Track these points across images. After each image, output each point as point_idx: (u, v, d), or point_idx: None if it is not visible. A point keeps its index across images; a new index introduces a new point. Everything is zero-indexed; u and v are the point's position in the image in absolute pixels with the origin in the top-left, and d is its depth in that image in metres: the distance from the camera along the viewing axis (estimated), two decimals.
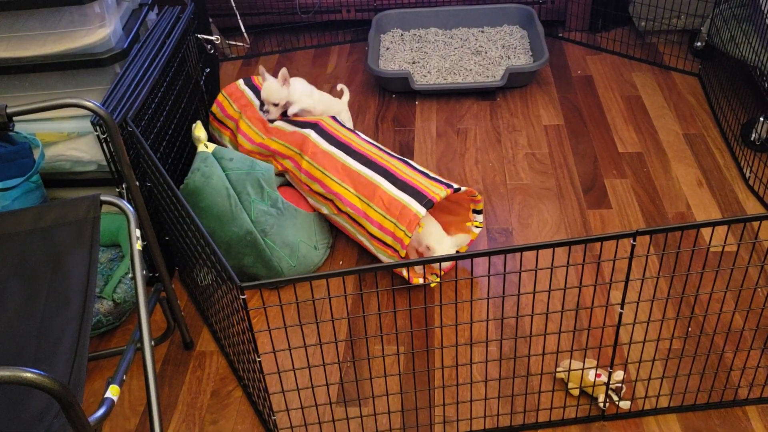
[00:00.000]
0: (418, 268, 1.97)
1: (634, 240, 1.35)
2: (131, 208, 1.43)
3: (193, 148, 2.08)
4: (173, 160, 2.02)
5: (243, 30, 2.96)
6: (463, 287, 1.97)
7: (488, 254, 1.31)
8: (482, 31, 3.03)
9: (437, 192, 1.88)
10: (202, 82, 2.29)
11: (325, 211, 2.07)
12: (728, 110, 2.47)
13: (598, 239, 1.34)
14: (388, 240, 1.90)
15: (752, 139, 2.33)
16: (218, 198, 1.92)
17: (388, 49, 2.95)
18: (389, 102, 2.72)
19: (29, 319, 1.27)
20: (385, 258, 1.94)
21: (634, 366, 1.70)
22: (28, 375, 0.92)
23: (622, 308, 1.45)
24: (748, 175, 2.25)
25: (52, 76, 2.00)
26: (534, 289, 1.49)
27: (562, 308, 1.44)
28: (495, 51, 2.90)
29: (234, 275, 1.28)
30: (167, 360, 1.81)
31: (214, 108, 2.36)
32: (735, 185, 2.25)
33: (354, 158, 2.02)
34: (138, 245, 1.42)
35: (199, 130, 1.99)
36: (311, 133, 2.11)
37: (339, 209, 2.01)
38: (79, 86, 2.03)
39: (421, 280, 1.96)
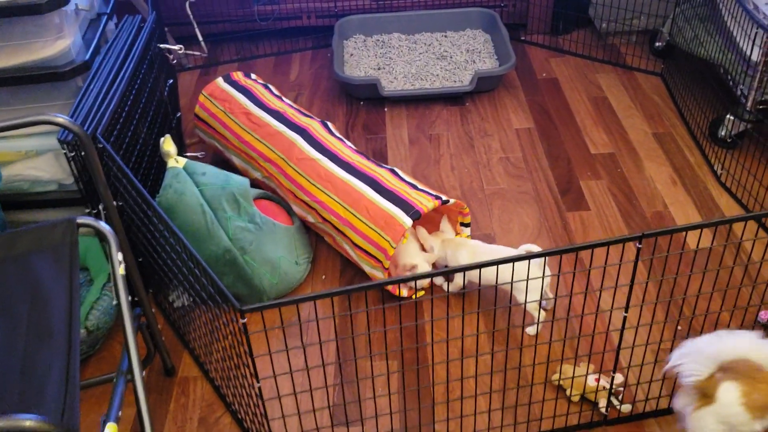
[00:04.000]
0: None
1: (640, 243, 1.33)
2: (110, 230, 1.34)
3: (162, 164, 1.99)
4: (142, 177, 1.92)
5: (200, 39, 2.86)
6: (454, 298, 1.93)
7: (496, 264, 1.28)
8: (445, 36, 3.01)
9: (425, 203, 1.83)
10: (165, 94, 2.19)
11: (310, 219, 2.01)
12: (695, 108, 2.50)
13: (604, 244, 1.32)
14: (372, 250, 1.84)
15: (720, 136, 2.36)
16: (193, 215, 1.83)
17: (352, 55, 2.90)
18: (358, 109, 2.67)
19: (10, 355, 1.16)
20: (368, 268, 1.88)
21: (629, 369, 1.69)
22: (29, 423, 0.83)
23: (626, 311, 1.43)
24: (719, 172, 2.28)
25: (5, 91, 1.88)
26: (525, 300, 1.46)
27: (568, 315, 1.41)
28: (460, 55, 2.88)
29: (233, 298, 1.21)
30: (149, 388, 1.71)
31: (197, 110, 2.28)
32: (708, 182, 2.28)
33: (339, 166, 1.97)
34: (121, 270, 1.33)
35: (168, 145, 1.90)
36: (298, 139, 2.04)
37: (322, 218, 1.95)
38: (37, 101, 1.91)
39: (405, 292, 1.91)
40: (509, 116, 2.61)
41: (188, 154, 2.42)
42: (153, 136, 2.03)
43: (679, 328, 1.79)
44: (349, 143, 2.10)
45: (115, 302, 1.31)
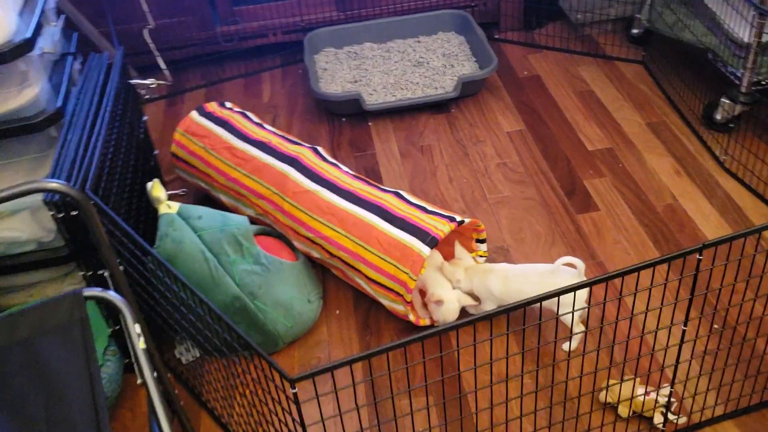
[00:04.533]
0: (423, 309, 1.82)
1: (701, 254, 1.25)
2: (123, 300, 1.20)
3: (149, 210, 1.84)
4: (133, 228, 1.76)
5: (163, 67, 2.70)
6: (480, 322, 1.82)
7: (557, 294, 1.18)
8: (419, 41, 2.91)
9: (440, 228, 1.73)
10: (141, 133, 2.04)
11: (315, 255, 1.88)
12: (686, 95, 2.45)
13: (664, 260, 1.23)
14: (390, 284, 1.73)
15: (716, 120, 2.32)
16: (195, 264, 1.69)
17: (325, 69, 2.77)
18: (341, 126, 2.55)
19: None
20: (388, 302, 1.77)
21: (675, 379, 1.62)
22: None
23: (685, 325, 1.36)
24: (722, 158, 2.23)
25: None
26: (571, 319, 1.37)
27: (628, 337, 1.33)
28: (437, 60, 2.78)
29: (281, 369, 1.09)
30: None
31: (174, 148, 2.13)
32: (711, 169, 2.23)
33: (341, 196, 1.84)
34: (141, 344, 1.19)
35: (157, 190, 1.75)
36: (291, 171, 1.92)
37: (330, 253, 1.83)
38: (8, 157, 1.74)
39: (427, 321, 1.81)
40: (498, 119, 2.52)
41: (168, 192, 2.26)
42: (138, 181, 1.88)
43: (721, 330, 1.73)
44: (344, 168, 1.98)
45: (139, 381, 1.17)
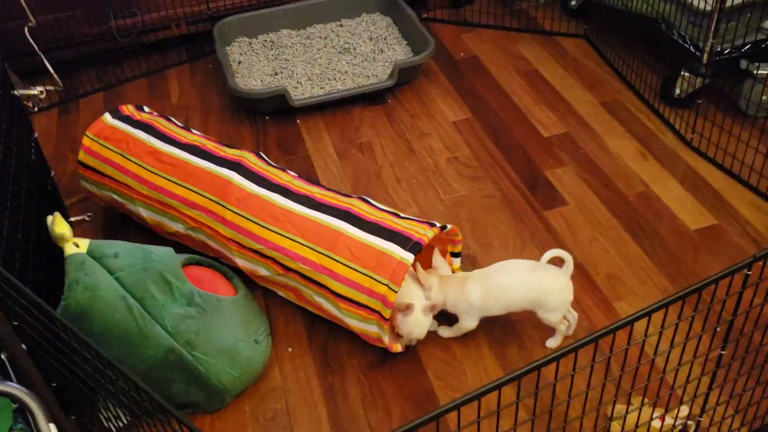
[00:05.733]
0: (392, 333, 1.57)
1: (749, 270, 1.05)
2: (33, 395, 0.89)
3: (51, 248, 1.49)
4: (31, 277, 1.42)
5: (51, 70, 2.30)
6: (454, 343, 1.59)
7: (613, 331, 0.95)
8: (341, 25, 2.63)
9: (423, 232, 1.48)
10: (33, 154, 1.68)
11: (263, 272, 1.59)
12: (639, 69, 2.29)
13: (711, 282, 1.02)
14: (363, 299, 1.47)
15: (676, 95, 2.16)
16: (116, 315, 1.37)
17: (240, 62, 2.45)
18: (265, 126, 2.24)
19: None
20: (357, 322, 1.50)
21: (678, 401, 1.43)
22: None
23: (723, 349, 1.16)
24: (689, 136, 2.07)
25: None
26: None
27: (648, 380, 1.12)
28: (364, 45, 2.51)
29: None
30: None
31: (82, 155, 1.78)
32: (678, 149, 2.07)
33: (298, 202, 1.58)
34: None
35: (60, 226, 1.41)
36: (234, 176, 1.63)
37: (285, 267, 1.55)
38: None
39: (400, 347, 1.56)
40: (441, 108, 2.28)
41: (71, 219, 1.91)
42: (34, 213, 1.52)
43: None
44: (293, 173, 1.70)
45: None
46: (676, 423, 1.33)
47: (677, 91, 2.15)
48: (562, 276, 1.52)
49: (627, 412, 1.35)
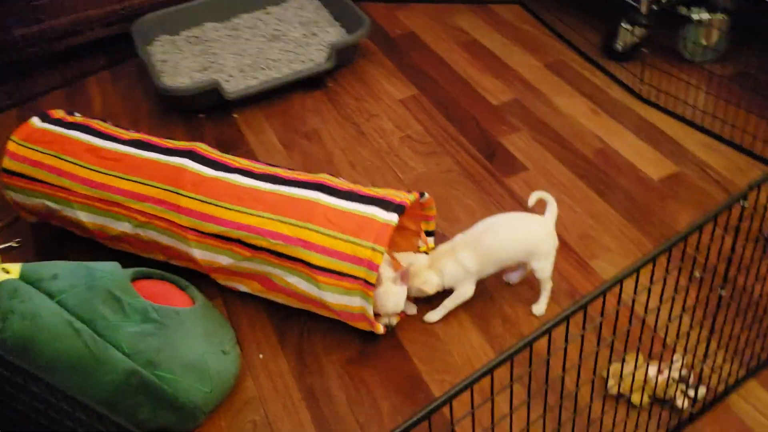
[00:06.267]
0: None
1: (745, 200, 0.99)
2: None
3: None
4: None
5: None
6: (437, 328, 1.50)
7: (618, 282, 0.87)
8: (267, 13, 2.50)
9: (403, 197, 1.40)
10: None
11: (224, 261, 1.47)
12: (577, 27, 2.25)
13: (696, 228, 0.95)
14: (346, 268, 1.36)
15: (618, 49, 2.12)
16: (63, 342, 1.23)
17: (165, 61, 2.30)
18: (200, 125, 2.10)
19: None
20: (339, 296, 1.38)
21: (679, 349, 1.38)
22: None
23: (722, 288, 1.10)
24: (638, 87, 2.04)
25: None
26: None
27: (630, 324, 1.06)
28: (295, 31, 2.39)
29: None
30: None
31: (7, 162, 1.62)
32: (629, 102, 2.03)
33: (262, 180, 1.47)
34: None
35: None
36: (188, 162, 1.51)
37: (253, 247, 1.43)
38: None
39: (382, 328, 1.45)
40: (385, 87, 2.19)
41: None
42: None
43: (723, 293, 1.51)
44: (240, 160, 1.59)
45: None
46: (672, 374, 1.27)
47: (619, 44, 2.12)
48: (548, 221, 1.48)
49: (622, 369, 1.30)
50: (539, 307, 1.49)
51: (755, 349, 1.30)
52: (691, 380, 1.30)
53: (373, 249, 1.33)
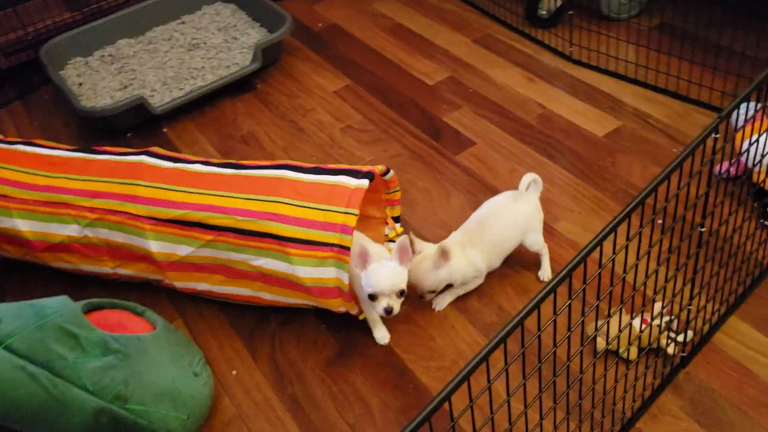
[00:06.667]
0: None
1: (717, 133, 0.98)
2: None
3: None
4: None
5: None
6: (416, 315, 1.45)
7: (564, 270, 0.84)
8: (183, 23, 2.40)
9: (371, 168, 1.37)
10: None
11: (183, 251, 1.40)
12: (500, 1, 2.24)
13: (664, 178, 0.94)
14: (320, 236, 1.29)
15: (542, 16, 2.13)
16: (18, 391, 1.12)
17: (81, 84, 2.17)
18: (129, 144, 1.99)
19: None
20: (312, 269, 1.30)
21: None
22: None
23: (701, 227, 1.09)
24: (568, 51, 2.04)
25: None
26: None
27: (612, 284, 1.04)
28: (215, 37, 2.31)
29: None
30: None
31: None
32: (561, 66, 2.03)
33: (223, 167, 1.43)
34: None
35: None
36: (145, 158, 1.46)
37: (216, 229, 1.35)
38: None
39: (357, 308, 1.39)
40: (317, 81, 2.13)
41: None
42: None
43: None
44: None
45: None
46: (657, 322, 1.26)
47: (543, 11, 2.12)
48: (533, 197, 1.46)
49: (608, 328, 1.28)
50: (544, 272, 1.46)
51: (732, 286, 1.30)
52: (678, 327, 1.29)
53: (346, 213, 1.28)
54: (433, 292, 1.40)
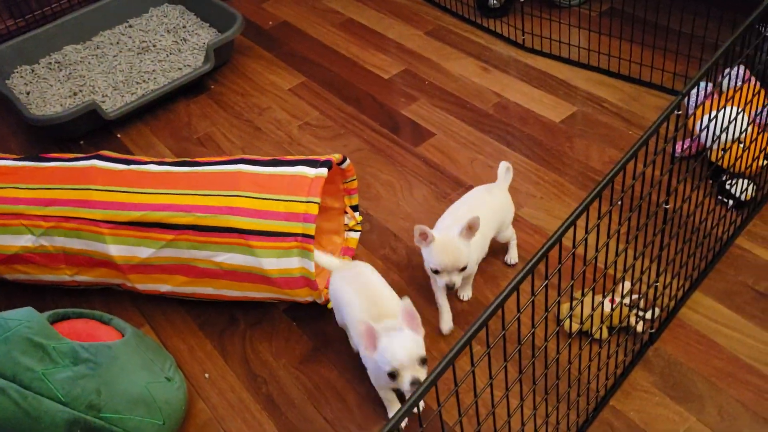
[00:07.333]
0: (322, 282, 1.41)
1: (679, 109, 1.00)
2: None
3: None
4: None
5: None
6: None
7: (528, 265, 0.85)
8: (130, 26, 2.35)
9: (328, 156, 1.37)
10: None
11: (144, 253, 1.37)
12: None
13: (598, 193, 0.96)
14: (279, 227, 1.29)
15: (492, 5, 2.15)
16: None
17: (28, 93, 2.11)
18: (80, 151, 1.93)
19: None
20: (277, 261, 1.30)
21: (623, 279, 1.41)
22: None
23: (666, 204, 1.12)
24: (520, 39, 2.07)
25: None
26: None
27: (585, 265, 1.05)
28: (164, 39, 2.27)
29: None
30: None
31: None
32: (514, 54, 2.06)
33: (177, 165, 1.41)
34: None
35: None
36: (96, 162, 1.44)
37: (176, 228, 1.34)
38: None
39: (323, 297, 1.39)
40: (271, 79, 2.11)
41: None
42: None
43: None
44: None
45: None
46: (624, 300, 1.29)
47: (493, 0, 2.14)
48: (505, 187, 1.46)
49: (572, 307, 1.30)
50: (511, 257, 1.48)
51: (695, 262, 1.34)
52: (645, 305, 1.32)
53: (308, 202, 1.29)
54: (462, 270, 1.28)
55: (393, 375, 1.10)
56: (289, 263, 1.29)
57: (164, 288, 1.43)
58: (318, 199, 1.28)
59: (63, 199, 1.39)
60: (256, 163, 1.37)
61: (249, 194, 1.31)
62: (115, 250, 1.38)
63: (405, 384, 1.09)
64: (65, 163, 1.45)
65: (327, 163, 1.33)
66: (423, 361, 1.11)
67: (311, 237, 1.27)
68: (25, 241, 1.42)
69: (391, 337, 1.10)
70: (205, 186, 1.35)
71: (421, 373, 1.10)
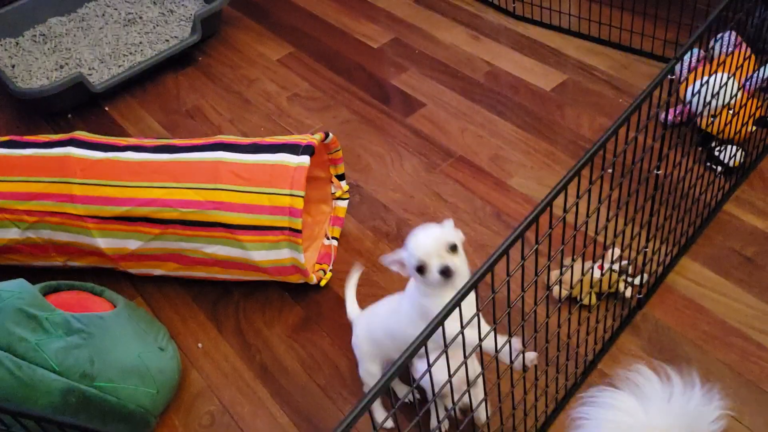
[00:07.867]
0: (311, 264, 1.42)
1: (672, 74, 1.00)
2: None
3: None
4: None
5: None
6: (373, 274, 1.46)
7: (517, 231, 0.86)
8: None
9: (309, 139, 1.35)
10: None
11: (132, 245, 1.37)
12: None
13: (586, 163, 0.96)
14: (266, 221, 1.29)
15: None
16: None
17: (14, 66, 2.09)
18: (70, 124, 1.93)
19: None
20: (267, 253, 1.31)
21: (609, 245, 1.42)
22: None
23: (657, 170, 1.12)
24: (511, 7, 2.06)
25: None
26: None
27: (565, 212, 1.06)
28: (150, 11, 2.24)
29: None
30: None
31: None
32: (505, 23, 2.05)
33: (156, 152, 1.38)
34: None
35: None
36: (72, 150, 1.40)
37: (162, 222, 1.34)
38: None
39: (315, 278, 1.40)
40: (259, 51, 2.10)
41: None
42: None
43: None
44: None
45: None
46: (612, 267, 1.30)
47: None
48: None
49: (561, 273, 1.32)
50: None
51: (683, 228, 1.35)
52: (633, 271, 1.33)
53: (292, 195, 1.28)
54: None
55: (421, 269, 0.99)
56: (279, 254, 1.31)
57: (157, 272, 1.44)
58: (302, 192, 1.28)
59: (44, 194, 1.37)
60: (237, 149, 1.35)
61: (231, 187, 1.30)
62: (104, 243, 1.38)
63: (434, 273, 0.97)
64: (41, 150, 1.42)
65: (309, 149, 1.32)
66: (453, 248, 0.99)
67: (299, 231, 1.28)
68: (12, 234, 1.41)
69: (415, 232, 1.02)
70: (185, 178, 1.33)
71: (451, 261, 0.98)
